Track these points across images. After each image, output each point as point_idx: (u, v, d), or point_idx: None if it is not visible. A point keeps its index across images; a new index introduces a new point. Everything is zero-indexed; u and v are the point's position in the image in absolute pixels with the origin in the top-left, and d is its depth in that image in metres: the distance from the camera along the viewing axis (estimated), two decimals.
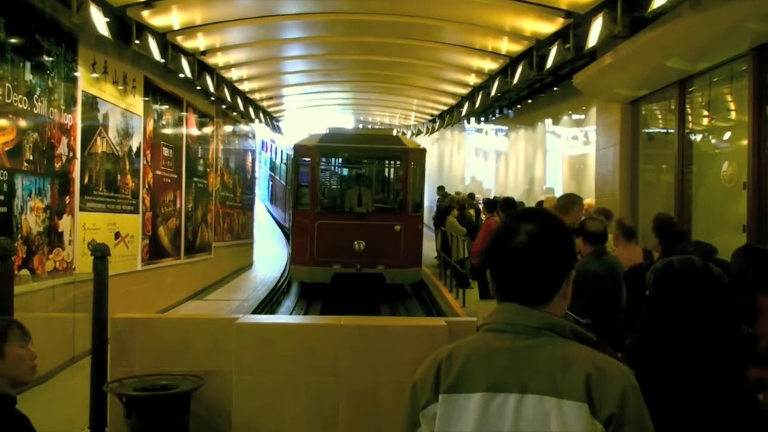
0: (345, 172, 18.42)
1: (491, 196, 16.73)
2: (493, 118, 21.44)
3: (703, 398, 2.44)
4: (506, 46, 10.58)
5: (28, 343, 3.01)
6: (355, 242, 14.16)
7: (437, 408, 1.74)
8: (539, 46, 9.80)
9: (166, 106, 12.45)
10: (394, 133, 18.06)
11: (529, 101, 17.01)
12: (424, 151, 16.13)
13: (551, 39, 9.18)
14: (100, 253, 5.37)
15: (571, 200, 6.56)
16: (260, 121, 19.15)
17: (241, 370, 5.17)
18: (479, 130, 23.94)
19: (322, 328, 5.50)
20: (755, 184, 7.28)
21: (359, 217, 14.60)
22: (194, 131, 14.19)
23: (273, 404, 5.15)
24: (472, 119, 23.07)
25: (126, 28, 9.06)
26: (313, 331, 5.45)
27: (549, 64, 9.35)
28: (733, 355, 2.55)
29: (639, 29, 8.61)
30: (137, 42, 9.05)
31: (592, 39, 7.88)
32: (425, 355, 5.55)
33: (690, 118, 9.23)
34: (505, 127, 21.41)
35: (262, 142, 33.21)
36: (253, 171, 21.10)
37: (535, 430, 1.63)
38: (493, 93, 12.51)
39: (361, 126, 24.94)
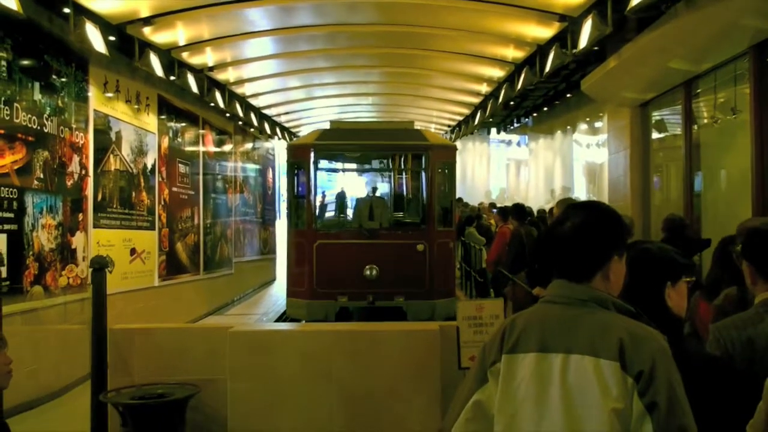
0: (352, 177, 15.94)
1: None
2: (512, 128, 21.45)
3: None
4: (511, 53, 10.58)
5: (3, 349, 3.09)
6: (366, 267, 11.00)
7: (501, 366, 2.12)
8: (541, 51, 9.80)
9: (182, 124, 12.61)
10: (416, 126, 14.02)
11: (545, 109, 17.04)
12: (453, 148, 12.56)
13: (550, 43, 9.20)
14: (98, 265, 5.45)
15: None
16: (278, 137, 19.22)
17: (236, 377, 5.25)
18: (499, 141, 23.96)
19: (315, 335, 5.57)
20: (759, 181, 7.20)
21: (371, 235, 11.39)
22: (211, 148, 14.35)
23: (268, 410, 5.21)
24: (493, 129, 23.08)
25: (130, 46, 9.19)
26: (307, 338, 5.52)
27: (547, 68, 9.35)
28: None
29: (641, 30, 8.60)
30: (140, 59, 9.13)
31: (583, 40, 7.87)
32: (419, 358, 5.58)
33: (696, 119, 9.17)
34: (525, 136, 21.41)
35: None
36: (275, 186, 21.17)
37: (578, 383, 1.98)
38: (501, 100, 12.50)
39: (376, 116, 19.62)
